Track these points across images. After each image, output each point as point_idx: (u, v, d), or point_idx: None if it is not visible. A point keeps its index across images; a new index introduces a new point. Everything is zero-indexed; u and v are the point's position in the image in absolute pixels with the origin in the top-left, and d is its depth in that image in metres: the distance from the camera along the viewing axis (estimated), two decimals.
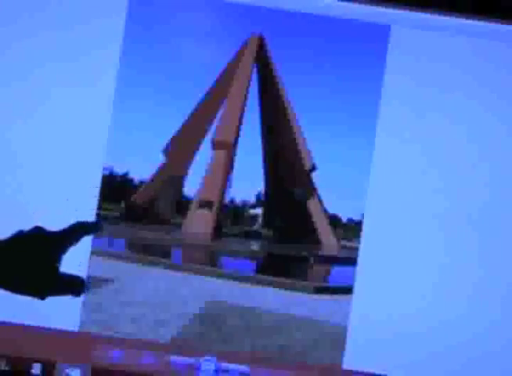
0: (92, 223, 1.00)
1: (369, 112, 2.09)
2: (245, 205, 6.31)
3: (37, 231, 0.93)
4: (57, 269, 0.92)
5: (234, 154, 5.74)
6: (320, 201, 5.91)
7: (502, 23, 2.03)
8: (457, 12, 2.03)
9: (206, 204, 5.75)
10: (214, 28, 2.48)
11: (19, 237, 0.92)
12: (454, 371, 2.00)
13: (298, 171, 5.91)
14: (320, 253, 5.67)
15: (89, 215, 2.02)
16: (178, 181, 5.92)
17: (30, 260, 0.90)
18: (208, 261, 4.89)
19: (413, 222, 2.02)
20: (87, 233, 0.99)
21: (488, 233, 2.01)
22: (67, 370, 2.00)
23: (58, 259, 0.93)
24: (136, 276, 3.46)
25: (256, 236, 6.09)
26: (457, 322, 1.99)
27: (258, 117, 6.18)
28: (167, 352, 2.04)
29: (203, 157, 5.83)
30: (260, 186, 6.24)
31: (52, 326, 2.00)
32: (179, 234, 5.37)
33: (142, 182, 5.61)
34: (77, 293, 0.94)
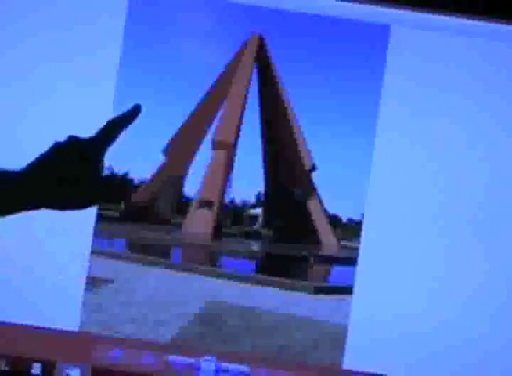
0: (130, 111, 0.92)
1: (369, 112, 2.09)
2: (245, 205, 6.31)
3: (73, 140, 0.89)
4: (101, 173, 0.89)
5: (234, 154, 5.74)
6: (320, 201, 5.91)
7: (502, 23, 2.03)
8: (457, 12, 2.03)
9: (206, 204, 5.76)
10: (214, 28, 2.48)
11: (56, 149, 0.88)
12: (454, 371, 2.00)
13: (298, 171, 5.91)
14: (320, 253, 5.67)
15: (89, 214, 2.02)
16: (178, 181, 5.92)
17: (72, 171, 0.86)
18: (208, 261, 4.89)
19: (413, 222, 2.02)
20: (127, 122, 0.93)
21: (489, 232, 2.01)
22: (67, 370, 2.00)
23: (100, 164, 0.89)
24: (136, 276, 3.46)
25: (256, 236, 6.09)
26: (457, 322, 1.99)
27: (258, 117, 6.18)
28: (167, 352, 2.04)
29: (203, 157, 5.83)
30: (260, 186, 6.24)
31: (52, 326, 2.00)
32: (179, 234, 5.37)
33: (142, 182, 5.61)
34: (121, 197, 0.91)
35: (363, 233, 2.04)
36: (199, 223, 5.54)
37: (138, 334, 2.19)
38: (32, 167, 0.88)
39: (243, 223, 6.28)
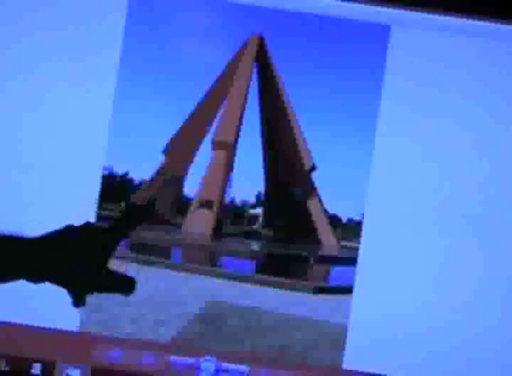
0: (144, 206, 0.94)
1: (369, 112, 2.09)
2: (245, 205, 6.31)
3: (87, 226, 0.90)
4: (107, 265, 0.89)
5: (234, 154, 5.74)
6: (320, 201, 5.92)
7: (502, 23, 2.03)
8: (457, 12, 2.03)
9: (206, 204, 5.76)
10: (214, 28, 2.48)
11: (68, 232, 0.89)
12: (454, 371, 2.00)
13: (298, 171, 5.92)
14: (320, 253, 5.68)
15: (89, 214, 2.02)
16: (178, 181, 5.92)
17: (80, 256, 0.87)
18: (208, 261, 4.90)
19: (413, 222, 2.02)
20: (141, 219, 0.93)
21: (489, 233, 2.01)
22: (67, 370, 2.00)
23: (108, 256, 0.89)
24: (136, 276, 3.46)
25: (256, 236, 6.10)
26: (457, 322, 1.99)
27: (258, 117, 6.19)
28: (167, 352, 2.04)
29: (203, 157, 5.83)
30: (260, 186, 6.24)
31: (52, 326, 2.00)
32: (179, 234, 5.37)
33: (142, 182, 5.61)
34: (127, 292, 0.90)
35: (363, 233, 2.04)
36: (199, 223, 5.54)
37: (138, 334, 2.20)
38: (42, 240, 0.89)
39: (243, 223, 6.29)
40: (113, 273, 0.90)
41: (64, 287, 0.87)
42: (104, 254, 0.89)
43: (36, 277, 0.87)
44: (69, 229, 0.90)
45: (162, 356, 2.03)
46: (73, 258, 0.86)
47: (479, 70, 2.03)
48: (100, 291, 0.89)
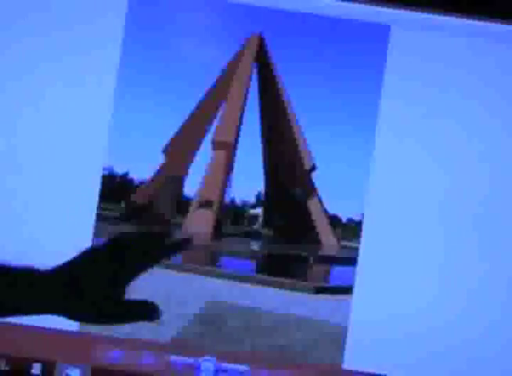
0: (179, 241, 0.88)
1: (369, 112, 2.09)
2: (245, 205, 6.31)
3: (112, 245, 0.86)
4: (123, 295, 0.84)
5: (234, 154, 5.74)
6: (320, 201, 5.91)
7: (502, 23, 2.03)
8: (457, 12, 2.03)
9: (206, 204, 5.76)
10: (214, 28, 2.49)
11: (93, 254, 0.85)
12: (454, 371, 2.00)
13: (298, 171, 5.91)
14: (320, 253, 5.68)
15: (89, 214, 2.02)
16: (178, 181, 5.91)
17: (96, 286, 0.82)
18: (208, 261, 4.89)
19: (414, 222, 2.02)
20: (172, 252, 0.88)
21: (490, 233, 2.01)
22: (67, 370, 2.00)
23: (125, 285, 0.85)
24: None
25: (256, 236, 6.10)
26: (458, 322, 1.99)
27: (258, 117, 6.18)
28: (167, 352, 2.04)
29: (203, 157, 5.83)
30: (260, 186, 6.24)
31: (52, 326, 2.00)
32: (179, 234, 5.36)
33: (142, 182, 5.61)
34: (152, 319, 0.86)
35: (363, 233, 2.04)
36: (199, 223, 5.54)
37: (138, 334, 2.19)
38: (61, 269, 0.85)
39: (243, 223, 6.28)
40: (132, 303, 0.86)
41: (79, 320, 0.84)
42: (121, 283, 0.85)
43: (48, 311, 0.83)
44: (84, 258, 0.86)
45: (162, 356, 2.03)
46: (88, 290, 0.82)
47: (479, 70, 2.03)
48: (122, 322, 0.85)
